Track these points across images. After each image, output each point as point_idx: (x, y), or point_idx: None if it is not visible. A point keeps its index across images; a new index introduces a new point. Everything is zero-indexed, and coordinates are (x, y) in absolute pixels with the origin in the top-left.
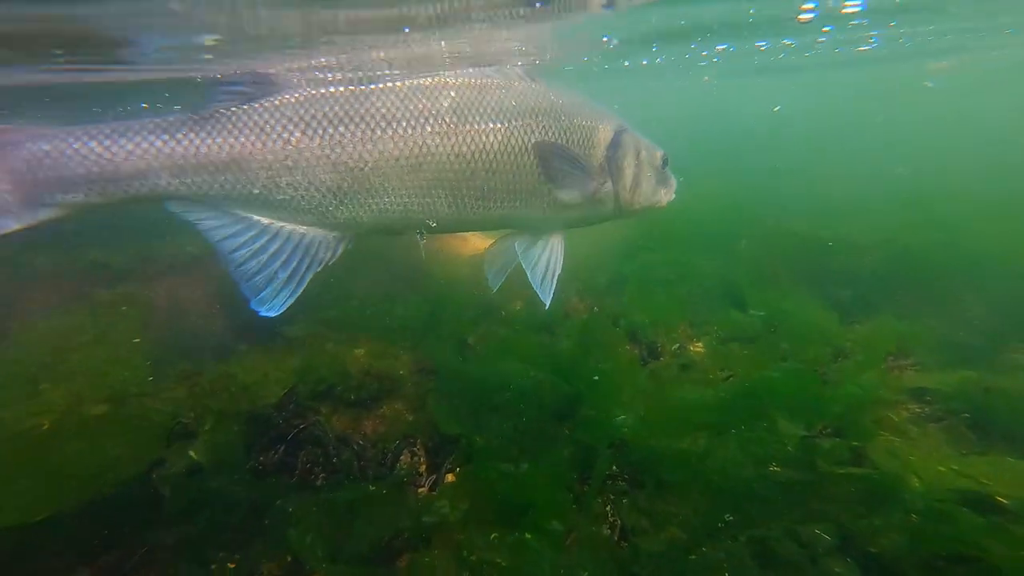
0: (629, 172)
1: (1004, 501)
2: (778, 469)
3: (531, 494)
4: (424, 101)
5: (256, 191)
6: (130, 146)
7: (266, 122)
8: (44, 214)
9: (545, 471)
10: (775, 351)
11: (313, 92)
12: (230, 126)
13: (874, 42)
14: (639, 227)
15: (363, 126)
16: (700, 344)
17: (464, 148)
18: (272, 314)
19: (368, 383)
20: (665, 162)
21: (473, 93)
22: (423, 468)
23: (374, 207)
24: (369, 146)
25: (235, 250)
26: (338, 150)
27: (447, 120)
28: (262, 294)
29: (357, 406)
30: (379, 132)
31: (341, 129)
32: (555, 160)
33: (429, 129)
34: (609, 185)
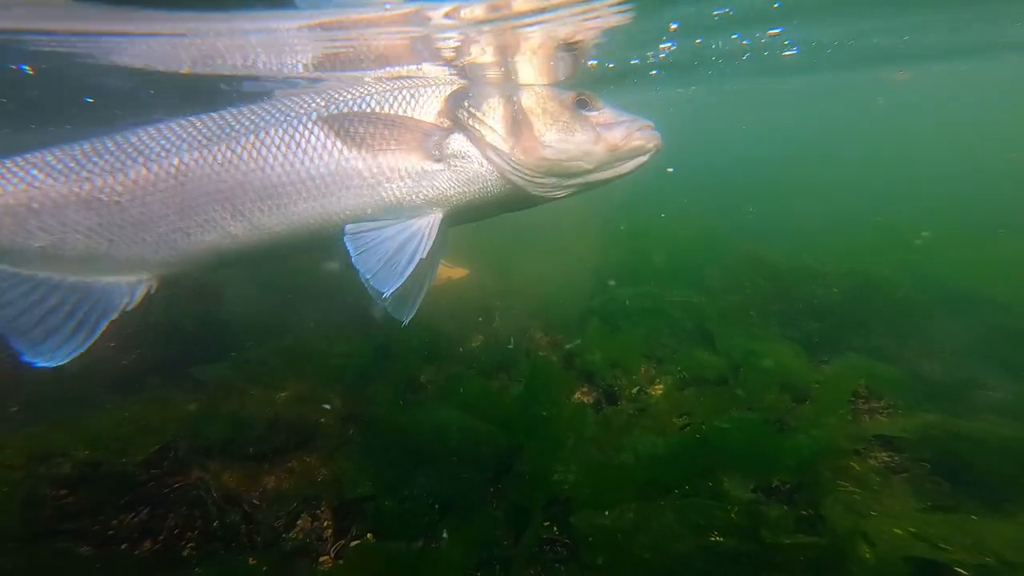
0: (496, 115)
1: (963, 573)
2: (720, 539)
3: (441, 572)
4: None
5: (45, 243)
6: None
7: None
8: None
9: (469, 537)
10: (732, 393)
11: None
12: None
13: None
14: (612, 256)
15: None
16: (661, 386)
17: (228, 153)
18: (52, 365)
19: (273, 434)
20: (581, 101)
21: (292, 107)
22: (329, 533)
23: (156, 239)
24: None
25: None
26: (85, 186)
27: (274, 136)
28: (41, 347)
29: (258, 459)
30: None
31: (90, 164)
32: (354, 125)
33: (261, 148)
34: (461, 138)
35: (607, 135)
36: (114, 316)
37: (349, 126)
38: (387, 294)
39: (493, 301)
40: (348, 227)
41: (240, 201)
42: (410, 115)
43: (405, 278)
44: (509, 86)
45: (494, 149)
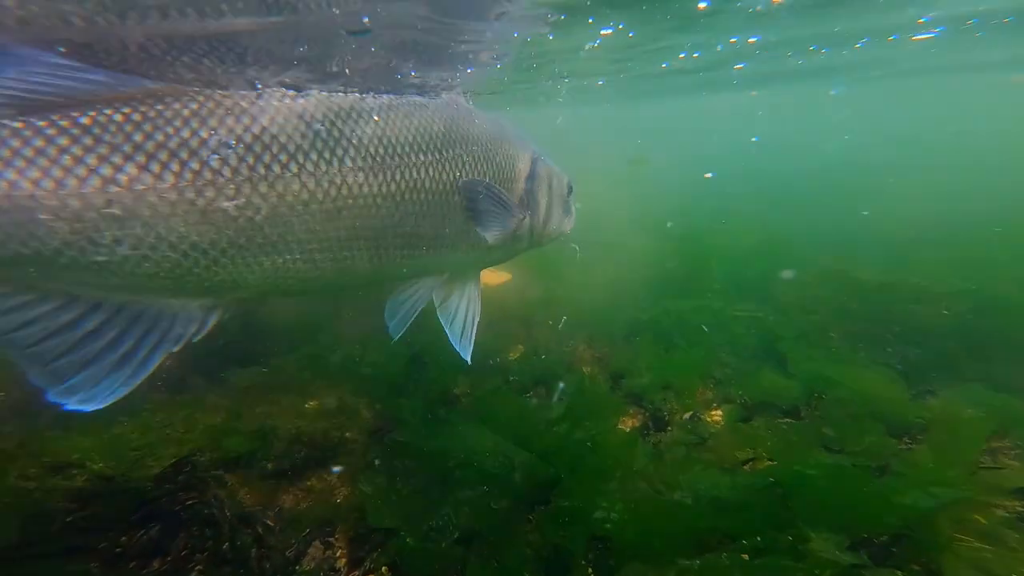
0: (543, 204)
1: None
2: None
3: None
4: (341, 125)
5: (109, 259)
6: None
7: (92, 143)
8: None
9: None
10: (815, 429)
11: (170, 104)
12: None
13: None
14: (665, 266)
15: (269, 158)
16: (720, 413)
17: (397, 186)
18: (90, 408)
19: (295, 450)
20: (570, 190)
21: (401, 116)
22: (342, 563)
23: (270, 268)
24: (263, 187)
25: (41, 337)
26: (210, 192)
27: (382, 151)
28: (81, 386)
29: (277, 477)
30: (277, 168)
31: (216, 164)
32: (483, 201)
33: (349, 164)
34: (527, 220)
35: (568, 224)
36: (176, 348)
37: (479, 197)
38: (468, 355)
39: (534, 310)
40: (434, 297)
41: (382, 240)
42: (509, 191)
43: (473, 340)
44: (548, 169)
45: (535, 231)
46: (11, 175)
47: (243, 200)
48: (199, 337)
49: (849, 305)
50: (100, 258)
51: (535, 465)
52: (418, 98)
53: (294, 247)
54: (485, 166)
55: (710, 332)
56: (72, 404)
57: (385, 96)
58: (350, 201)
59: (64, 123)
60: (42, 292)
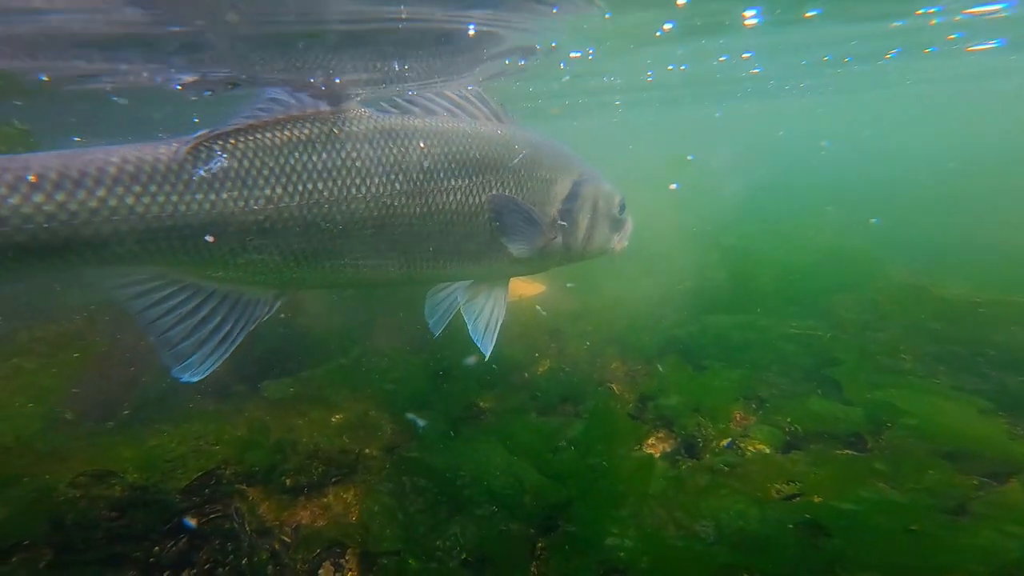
0: (583, 223)
1: None
2: None
3: None
4: (395, 150)
5: (212, 256)
6: (101, 203)
7: (238, 172)
8: None
9: None
10: (867, 463)
11: (282, 133)
12: (196, 179)
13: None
14: (709, 279)
15: (338, 181)
16: (759, 440)
17: (427, 208)
18: (195, 380)
19: (313, 465)
20: (622, 207)
21: (440, 142)
22: None
23: (324, 269)
24: (343, 206)
25: (162, 316)
26: (313, 211)
27: (415, 176)
28: (188, 360)
29: (295, 492)
30: (353, 190)
31: (316, 185)
32: (509, 216)
33: (398, 186)
34: (560, 238)
35: (618, 241)
36: (252, 327)
37: (505, 212)
38: (488, 355)
39: (567, 323)
40: (459, 296)
41: (413, 252)
42: (540, 210)
43: (495, 339)
44: (594, 189)
45: (572, 248)
46: (224, 195)
47: (327, 216)
48: (266, 319)
49: (928, 324)
50: (241, 260)
51: (546, 487)
52: (465, 123)
53: (347, 254)
54: (514, 190)
55: (754, 351)
56: (186, 378)
57: (436, 120)
58: (393, 219)
59: (240, 146)
60: (180, 284)
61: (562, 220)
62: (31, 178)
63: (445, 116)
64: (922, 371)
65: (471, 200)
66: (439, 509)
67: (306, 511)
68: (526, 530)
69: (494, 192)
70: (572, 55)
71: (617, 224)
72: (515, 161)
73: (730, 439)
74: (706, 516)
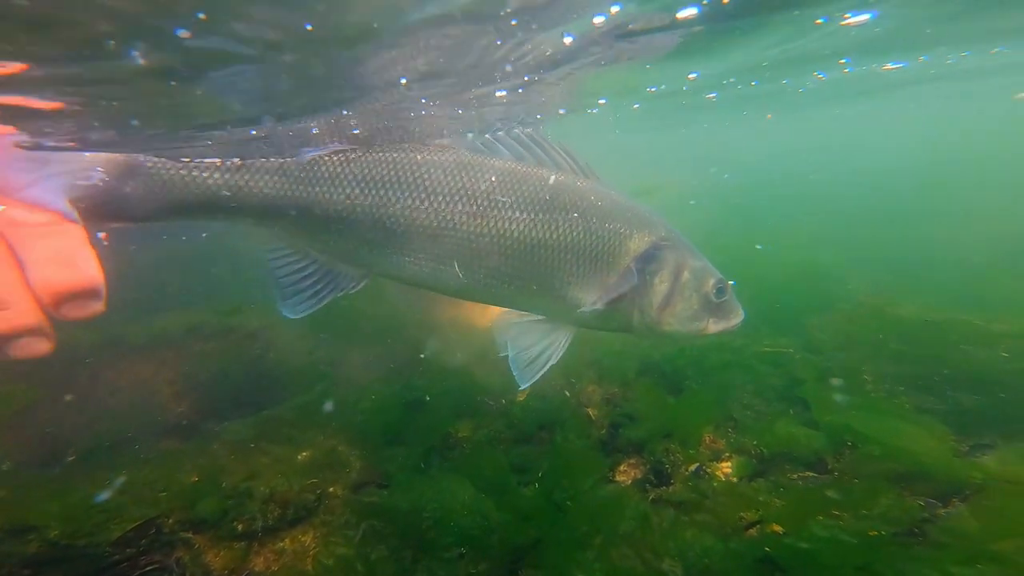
0: (660, 289)
1: None
2: None
3: None
4: (464, 178)
5: (313, 230)
6: (231, 181)
7: (334, 176)
8: (164, 222)
9: None
10: (821, 491)
11: (374, 155)
12: (303, 176)
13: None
14: None
15: (404, 192)
16: (728, 466)
17: (484, 230)
18: (291, 316)
19: (269, 509)
20: (720, 291)
21: (511, 179)
22: None
23: (395, 263)
24: (405, 211)
25: (281, 267)
26: (381, 210)
27: (481, 200)
28: (287, 300)
29: (249, 538)
30: (416, 201)
31: (387, 192)
32: (570, 259)
33: (459, 206)
34: (631, 298)
35: (713, 326)
36: (339, 294)
37: (579, 246)
38: (524, 387)
39: None
40: (518, 323)
41: (471, 267)
42: (616, 255)
43: (537, 379)
44: (679, 258)
45: (646, 314)
46: (318, 188)
47: (401, 217)
48: (355, 291)
49: (890, 344)
50: (327, 236)
51: (513, 526)
52: (545, 170)
53: (409, 253)
54: (580, 234)
55: (727, 373)
56: (288, 315)
57: (516, 162)
58: (451, 233)
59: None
60: (295, 252)
61: (633, 279)
62: (222, 163)
63: (530, 160)
64: (883, 391)
65: (532, 233)
66: (403, 554)
67: (260, 557)
68: (494, 573)
69: (559, 231)
70: None
71: (711, 306)
72: (585, 207)
73: (698, 464)
74: (673, 554)
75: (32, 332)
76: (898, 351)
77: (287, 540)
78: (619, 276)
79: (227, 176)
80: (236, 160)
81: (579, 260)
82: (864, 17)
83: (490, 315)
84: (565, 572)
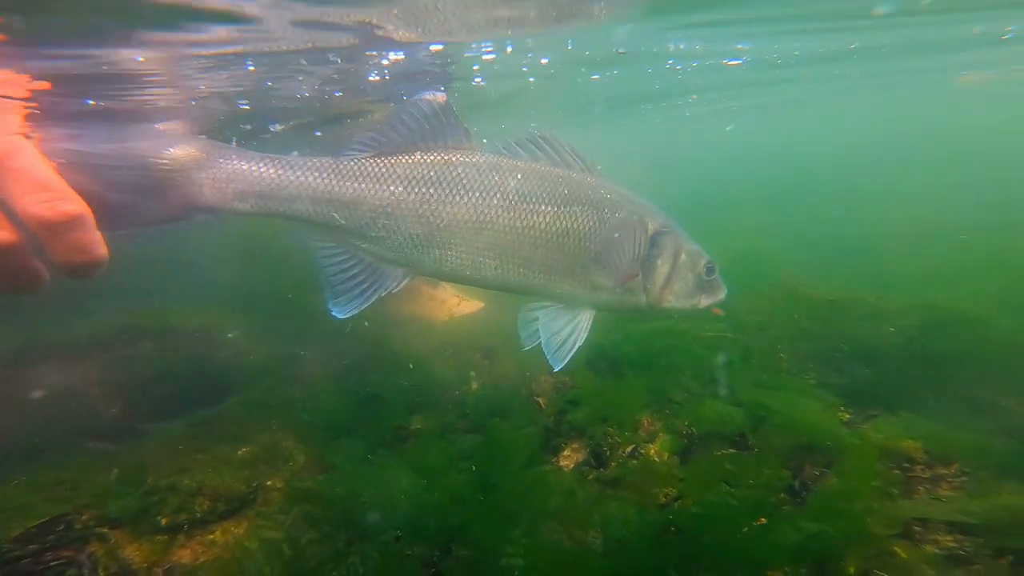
0: (662, 271)
1: None
2: None
3: None
4: (495, 176)
5: (360, 226)
6: (291, 176)
7: (380, 174)
8: (224, 213)
9: None
10: (720, 463)
11: (414, 156)
12: (355, 173)
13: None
14: None
15: (446, 189)
16: (661, 445)
17: (517, 223)
18: (340, 316)
19: (195, 502)
20: (710, 270)
21: (535, 176)
22: None
23: (437, 257)
24: (448, 207)
25: (330, 265)
26: (424, 206)
27: (512, 196)
28: (337, 300)
29: (173, 531)
30: (457, 197)
31: (430, 189)
32: (596, 247)
33: (495, 202)
34: (640, 279)
35: (705, 301)
36: (383, 293)
37: (596, 235)
38: (558, 368)
39: (501, 339)
40: (544, 312)
41: (506, 258)
42: (626, 248)
43: (570, 359)
44: (676, 242)
45: (651, 293)
46: (364, 184)
47: (438, 213)
48: (396, 290)
49: (802, 324)
50: (372, 233)
51: (449, 509)
52: (560, 169)
53: (451, 248)
54: (596, 223)
55: (670, 357)
56: (337, 313)
57: (536, 163)
58: (488, 226)
59: (390, 162)
60: (344, 250)
61: (643, 263)
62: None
63: (545, 160)
64: (795, 369)
65: (557, 224)
66: (336, 538)
67: (186, 550)
68: (429, 554)
69: (578, 221)
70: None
71: (703, 284)
72: (598, 200)
73: (633, 446)
74: (596, 527)
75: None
76: (808, 330)
77: (218, 532)
78: (631, 257)
79: (290, 171)
80: (295, 154)
81: (597, 247)
82: None
83: (449, 310)
84: (494, 547)
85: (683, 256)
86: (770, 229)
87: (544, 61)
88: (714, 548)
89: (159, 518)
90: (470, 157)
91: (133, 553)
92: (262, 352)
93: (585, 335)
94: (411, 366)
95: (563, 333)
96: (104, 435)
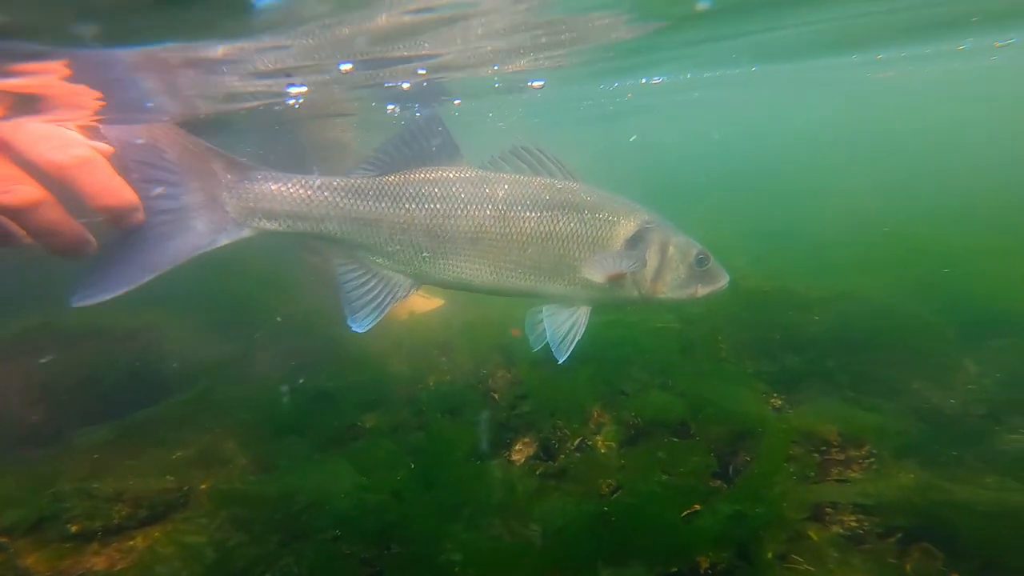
0: (651, 265)
1: None
2: None
3: None
4: (486, 189)
5: (380, 243)
6: (320, 196)
7: (396, 193)
8: (247, 234)
9: None
10: (652, 452)
11: (421, 174)
12: (376, 192)
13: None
14: None
15: (449, 204)
16: (607, 436)
17: (506, 231)
18: (359, 330)
19: (113, 508)
20: (702, 260)
21: (520, 186)
22: None
23: (442, 267)
24: (451, 221)
25: (348, 283)
26: (433, 221)
27: (501, 206)
28: (355, 315)
29: (85, 538)
30: (457, 211)
31: (437, 205)
32: (579, 247)
33: (487, 213)
34: (628, 273)
35: (702, 290)
36: (395, 302)
37: (579, 235)
38: (562, 361)
39: (459, 335)
40: (545, 310)
41: (500, 263)
42: (610, 239)
43: (571, 351)
44: (663, 236)
45: (642, 286)
46: (381, 203)
47: (443, 227)
48: (407, 297)
49: (741, 314)
50: (388, 248)
51: (389, 504)
52: (542, 178)
53: (453, 258)
54: (578, 224)
55: (622, 349)
56: (356, 328)
57: (520, 174)
58: (484, 235)
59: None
60: (362, 268)
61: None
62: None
63: (528, 171)
64: (733, 358)
65: (542, 228)
66: (268, 539)
67: (101, 557)
68: (367, 552)
69: (559, 225)
70: None
71: (696, 274)
72: (578, 203)
73: (580, 438)
74: (536, 519)
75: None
76: (746, 320)
77: (139, 538)
78: (614, 256)
79: (318, 192)
80: (316, 176)
81: (581, 247)
82: None
83: (409, 307)
84: (433, 543)
85: (671, 249)
86: (718, 224)
87: None
88: (646, 536)
89: (68, 525)
90: (464, 172)
91: (35, 562)
92: (208, 352)
93: (583, 328)
94: (367, 363)
95: (563, 328)
96: (26, 442)
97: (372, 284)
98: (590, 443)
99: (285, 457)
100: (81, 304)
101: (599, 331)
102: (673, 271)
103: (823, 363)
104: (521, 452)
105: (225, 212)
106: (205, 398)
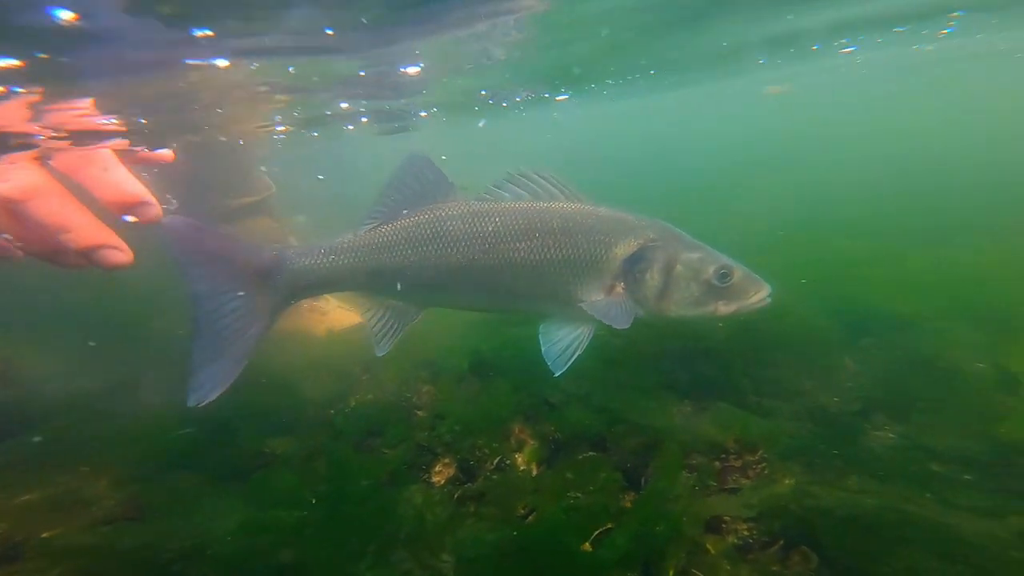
0: (652, 284)
1: None
2: None
3: None
4: (477, 224)
5: (388, 285)
6: (347, 260)
7: (410, 240)
8: (295, 303)
9: None
10: (562, 473)
11: (424, 216)
12: (392, 243)
13: None
14: None
15: (447, 243)
16: (526, 456)
17: (498, 260)
18: (380, 355)
19: None
20: (723, 276)
21: (512, 217)
22: None
23: (444, 298)
24: (449, 257)
25: (375, 325)
26: (438, 259)
27: (490, 240)
28: (378, 345)
29: None
30: (453, 248)
31: (440, 245)
32: (570, 271)
33: (478, 247)
34: (623, 291)
35: (724, 308)
36: (407, 328)
37: (572, 259)
38: (558, 374)
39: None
40: (543, 325)
41: (495, 290)
42: (604, 261)
43: (569, 366)
44: (668, 255)
45: (646, 305)
46: (424, 250)
47: (445, 263)
48: (415, 323)
49: (656, 324)
50: (400, 289)
51: (284, 543)
52: (540, 203)
53: (452, 287)
54: (570, 249)
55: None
56: (378, 353)
57: (516, 202)
58: (476, 269)
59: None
60: (383, 309)
61: (626, 277)
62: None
63: (527, 197)
64: (649, 368)
65: (532, 256)
66: None
67: None
68: None
69: (550, 251)
70: None
71: (715, 291)
72: (571, 228)
73: (499, 457)
74: (450, 550)
75: (103, 245)
76: (661, 330)
77: None
78: (611, 276)
79: (344, 256)
80: (335, 241)
81: (575, 270)
82: None
83: (328, 323)
84: None
85: (678, 267)
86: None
87: None
88: (556, 562)
89: None
90: (458, 209)
91: None
92: (85, 382)
93: (586, 344)
94: (281, 387)
95: (563, 342)
96: None
97: (388, 317)
98: (509, 462)
99: (169, 495)
100: (199, 403)
101: (524, 344)
102: (682, 289)
103: (729, 369)
104: (441, 474)
105: (277, 295)
106: (73, 432)
